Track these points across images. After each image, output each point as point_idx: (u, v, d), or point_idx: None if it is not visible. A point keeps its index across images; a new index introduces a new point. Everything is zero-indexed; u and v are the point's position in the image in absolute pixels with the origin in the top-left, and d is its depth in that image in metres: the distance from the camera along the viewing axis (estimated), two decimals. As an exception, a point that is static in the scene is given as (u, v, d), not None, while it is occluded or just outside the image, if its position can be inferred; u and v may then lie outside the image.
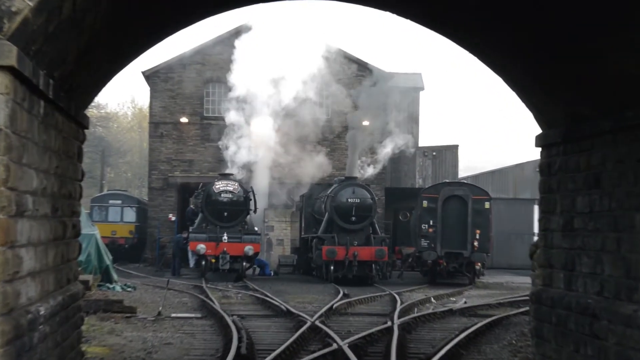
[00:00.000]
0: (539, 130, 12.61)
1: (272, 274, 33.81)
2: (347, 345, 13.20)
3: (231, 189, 31.37)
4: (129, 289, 24.22)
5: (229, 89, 35.55)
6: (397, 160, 41.16)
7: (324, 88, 38.33)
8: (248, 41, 34.95)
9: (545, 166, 12.34)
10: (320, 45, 35.93)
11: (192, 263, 32.81)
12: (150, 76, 40.67)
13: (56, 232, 9.65)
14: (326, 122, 40.58)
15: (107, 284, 23.88)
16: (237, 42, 35.50)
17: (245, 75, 34.58)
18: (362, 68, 39.60)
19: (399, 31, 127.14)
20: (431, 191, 31.94)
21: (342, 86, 38.41)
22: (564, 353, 11.18)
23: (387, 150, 37.94)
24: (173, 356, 13.13)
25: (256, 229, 32.47)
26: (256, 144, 35.01)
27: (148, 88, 41.33)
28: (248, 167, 35.09)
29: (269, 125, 35.55)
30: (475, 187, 32.65)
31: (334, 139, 40.90)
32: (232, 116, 34.92)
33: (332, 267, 29.83)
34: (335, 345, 13.14)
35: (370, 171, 37.40)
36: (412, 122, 44.29)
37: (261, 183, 36.47)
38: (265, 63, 34.26)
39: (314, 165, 37.65)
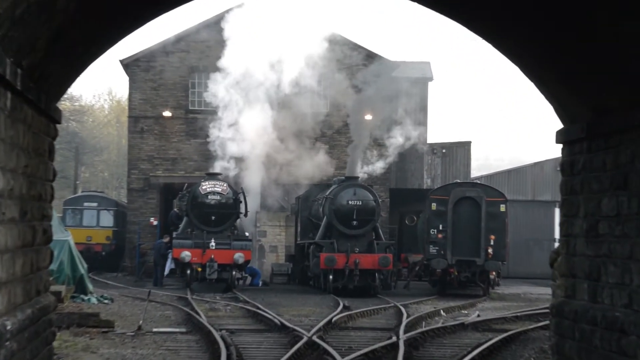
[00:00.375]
0: (560, 125, 12.59)
1: (261, 284, 33.78)
2: (347, 363, 13.16)
3: (219, 190, 31.35)
4: (105, 301, 24.18)
5: (219, 73, 35.38)
6: (403, 158, 41.15)
7: (323, 78, 38.34)
8: (241, 17, 34.89)
9: (567, 165, 12.32)
10: (320, 27, 35.98)
11: (167, 270, 32.79)
12: (129, 65, 40.63)
13: (25, 238, 9.61)
14: (326, 116, 40.58)
15: (82, 296, 23.84)
16: (229, 18, 35.45)
17: (238, 54, 34.49)
18: (365, 56, 39.61)
19: (405, 16, 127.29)
20: (441, 192, 31.93)
21: (344, 76, 38.38)
22: (589, 372, 11.17)
23: (397, 141, 37.89)
24: (155, 375, 13.09)
25: (247, 234, 32.46)
26: (248, 137, 34.93)
27: (127, 78, 41.31)
28: (238, 165, 34.99)
29: (263, 115, 35.48)
30: (490, 188, 32.64)
31: (333, 134, 40.89)
32: (221, 102, 34.80)
33: (331, 277, 29.81)
34: (334, 364, 13.11)
35: (379, 166, 37.39)
36: (420, 115, 44.30)
37: (253, 183, 36.46)
38: (260, 43, 34.23)
39: (313, 164, 37.66)
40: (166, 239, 34.47)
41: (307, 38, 35.09)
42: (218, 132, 34.89)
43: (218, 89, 35.03)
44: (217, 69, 35.72)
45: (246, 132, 34.95)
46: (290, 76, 35.57)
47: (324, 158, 38.46)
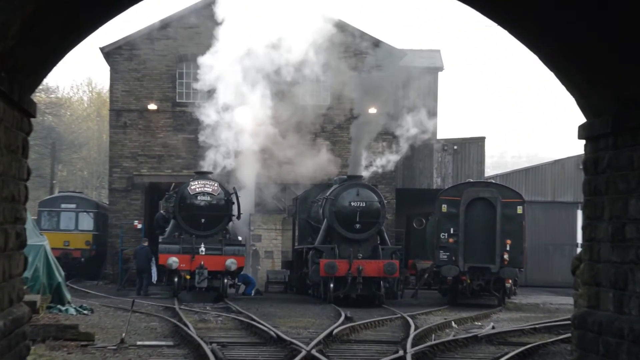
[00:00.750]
0: (582, 119, 12.58)
1: (255, 293, 33.80)
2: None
3: (210, 190, 31.36)
4: (85, 312, 24.18)
5: (212, 54, 35.21)
6: (411, 155, 41.19)
7: (325, 67, 38.36)
8: None
9: (590, 162, 12.31)
10: (323, 11, 36.05)
11: (154, 277, 32.89)
12: (110, 53, 40.63)
13: (-4, 242, 9.60)
14: (327, 110, 40.59)
15: (59, 306, 23.84)
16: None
17: (234, 36, 34.39)
18: (371, 44, 39.59)
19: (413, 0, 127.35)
20: (452, 193, 31.93)
21: (347, 65, 38.36)
22: (614, 389, 11.17)
23: (409, 132, 37.89)
24: (139, 393, 13.09)
25: (240, 238, 32.47)
26: (244, 126, 34.86)
27: (108, 68, 41.30)
28: (233, 158, 34.87)
29: (262, 103, 35.42)
30: (506, 188, 32.65)
31: (334, 129, 40.91)
32: (216, 80, 34.63)
33: (331, 285, 29.83)
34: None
35: (387, 160, 37.36)
36: (429, 108, 44.25)
37: (247, 182, 36.47)
38: (258, 25, 34.21)
39: (314, 162, 37.69)
40: (145, 243, 34.51)
41: (309, 22, 35.11)
42: (209, 118, 34.64)
43: (213, 64, 34.77)
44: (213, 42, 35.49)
45: (242, 121, 34.84)
46: (292, 61, 35.55)
47: (326, 156, 38.48)
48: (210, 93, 35.21)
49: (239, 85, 34.86)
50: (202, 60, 35.07)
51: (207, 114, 34.84)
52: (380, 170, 37.82)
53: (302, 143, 38.73)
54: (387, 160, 37.92)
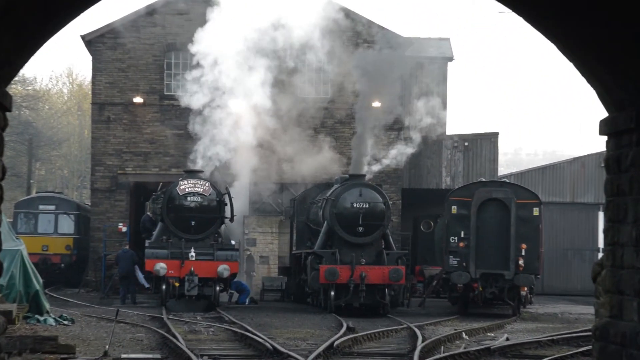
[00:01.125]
0: (604, 114, 12.58)
1: (249, 301, 33.83)
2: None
3: (200, 190, 31.37)
4: (65, 322, 24.18)
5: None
6: (418, 153, 41.22)
7: (327, 56, 38.35)
8: None
9: (613, 160, 12.31)
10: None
11: (142, 281, 32.96)
12: (92, 42, 40.64)
13: (-31, 247, 9.59)
14: (328, 103, 40.61)
15: (37, 316, 23.84)
16: None
17: (230, 17, 34.36)
18: (376, 32, 39.56)
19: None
20: (463, 193, 31.95)
21: (350, 54, 38.33)
22: (638, 406, 11.16)
23: (423, 120, 37.85)
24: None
25: (233, 242, 32.50)
26: (238, 119, 34.79)
27: (90, 58, 41.32)
28: (225, 154, 34.79)
29: (262, 91, 35.38)
30: (521, 188, 32.67)
31: (335, 125, 40.92)
32: (209, 57, 34.54)
33: (332, 293, 29.85)
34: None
35: (406, 151, 37.34)
36: (437, 101, 44.26)
37: (241, 181, 36.45)
38: (257, 8, 34.21)
39: (315, 160, 37.70)
40: (126, 246, 34.52)
41: (313, 4, 35.13)
42: (199, 102, 34.48)
43: (203, 38, 34.64)
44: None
45: (238, 110, 34.74)
46: (294, 43, 35.52)
47: (328, 153, 38.49)
48: (202, 74, 35.02)
49: (238, 65, 34.69)
50: (196, 36, 34.92)
51: (198, 99, 34.64)
52: (390, 164, 37.76)
53: (302, 138, 38.74)
54: (399, 152, 37.87)
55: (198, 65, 34.74)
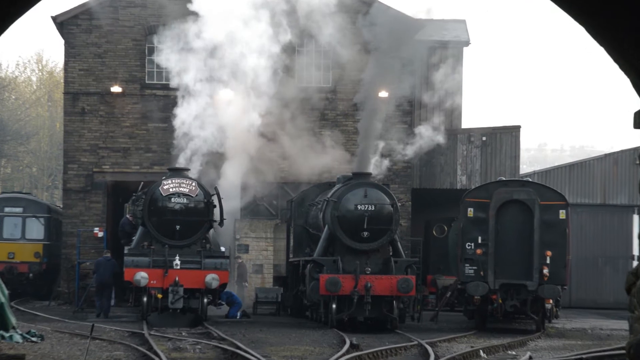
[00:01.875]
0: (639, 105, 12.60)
1: (239, 316, 33.87)
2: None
3: (186, 190, 31.40)
4: (34, 339, 24.18)
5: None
6: (430, 149, 41.24)
7: (329, 39, 38.37)
8: None
9: (649, 157, 12.33)
10: None
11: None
12: (65, 24, 40.66)
13: None
14: (329, 93, 40.64)
15: (2, 332, 23.85)
16: None
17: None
18: (381, 12, 39.57)
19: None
20: (480, 194, 31.97)
21: (354, 37, 38.36)
22: None
23: (436, 112, 37.90)
24: None
25: (223, 249, 32.52)
26: (230, 104, 34.78)
27: (62, 42, 41.33)
28: (213, 153, 34.79)
29: (260, 75, 35.38)
30: (545, 189, 32.69)
31: (337, 117, 40.95)
32: (191, 65, 34.58)
33: (334, 306, 29.88)
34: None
35: (416, 147, 37.36)
36: (452, 92, 44.33)
37: (231, 179, 36.47)
38: None
39: (315, 157, 37.72)
40: (107, 254, 34.55)
41: None
42: (187, 76, 34.42)
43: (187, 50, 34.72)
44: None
45: (228, 96, 34.75)
46: (293, 25, 35.65)
47: (331, 150, 38.51)
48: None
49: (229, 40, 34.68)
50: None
51: (189, 75, 34.49)
52: (399, 161, 37.78)
53: (301, 132, 38.77)
54: (409, 148, 37.90)
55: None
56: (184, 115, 34.11)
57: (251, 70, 35.38)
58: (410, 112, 40.54)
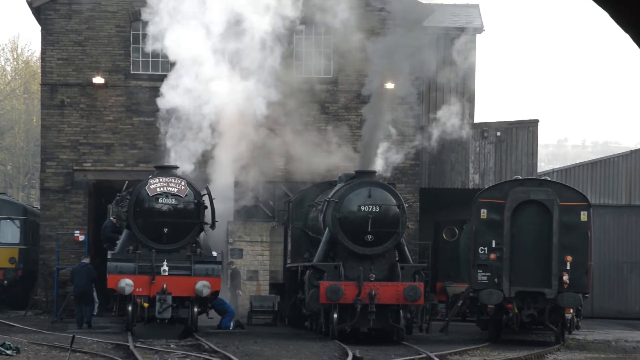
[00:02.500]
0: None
1: (233, 326, 33.94)
2: None
3: (175, 190, 31.45)
4: (8, 352, 24.25)
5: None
6: (440, 145, 41.32)
7: (326, 29, 38.45)
8: None
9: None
10: None
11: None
12: (42, 8, 40.70)
13: None
14: (329, 84, 40.70)
15: (-24, 343, 23.94)
16: None
17: None
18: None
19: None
20: (494, 194, 32.03)
21: (358, 25, 38.46)
22: None
23: (446, 105, 37.93)
24: None
25: (215, 254, 32.57)
26: (224, 93, 34.81)
27: (39, 28, 41.38)
28: (204, 152, 34.86)
29: (260, 59, 35.45)
30: (565, 188, 32.75)
31: (338, 111, 41.00)
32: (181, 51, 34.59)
33: (335, 315, 29.94)
34: None
35: (425, 143, 37.37)
36: (464, 84, 44.41)
37: (224, 179, 36.52)
38: None
39: (315, 153, 37.78)
40: (86, 260, 34.62)
41: None
42: (177, 55, 34.39)
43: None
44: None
45: (222, 87, 34.77)
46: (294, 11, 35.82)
47: (333, 146, 38.57)
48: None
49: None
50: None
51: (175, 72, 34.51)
52: (406, 158, 37.85)
53: (300, 127, 38.84)
54: (416, 144, 37.97)
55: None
56: (171, 95, 33.91)
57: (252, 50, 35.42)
58: (417, 105, 40.59)
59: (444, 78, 41.82)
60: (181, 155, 33.80)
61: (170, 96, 33.40)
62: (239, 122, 36.23)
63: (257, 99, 36.41)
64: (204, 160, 35.68)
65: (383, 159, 36.00)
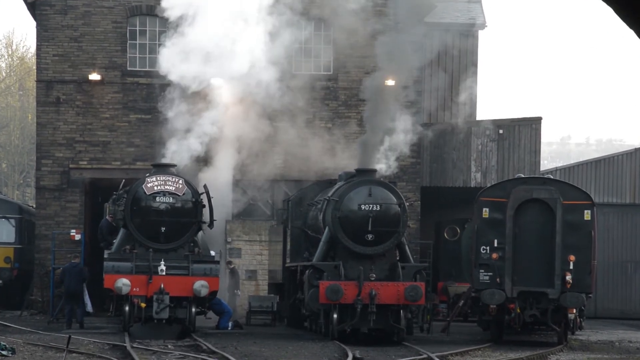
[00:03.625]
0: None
1: (231, 326, 33.95)
2: None
3: (172, 189, 31.45)
4: (4, 353, 24.26)
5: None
6: (442, 143, 41.33)
7: (325, 26, 38.47)
8: None
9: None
10: None
11: (88, 306, 33.02)
12: (37, 4, 40.69)
13: None
14: (328, 81, 40.69)
15: (-29, 344, 23.96)
16: None
17: None
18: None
19: None
20: (496, 193, 32.04)
21: (358, 19, 38.47)
22: None
23: (448, 103, 37.97)
24: None
25: (213, 253, 32.57)
26: (222, 93, 34.89)
27: (34, 24, 41.36)
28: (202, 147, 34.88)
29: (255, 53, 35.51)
30: (569, 187, 32.77)
31: (338, 108, 41.01)
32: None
33: (335, 316, 29.95)
34: None
35: (426, 141, 37.30)
36: (466, 80, 44.42)
37: (222, 178, 36.52)
38: None
39: (316, 152, 37.79)
40: (76, 260, 34.59)
41: None
42: (173, 68, 34.49)
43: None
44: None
45: (220, 84, 34.86)
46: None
47: (332, 144, 38.59)
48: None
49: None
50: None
51: (172, 65, 34.51)
52: (406, 156, 37.86)
53: (298, 124, 38.85)
54: (417, 142, 37.96)
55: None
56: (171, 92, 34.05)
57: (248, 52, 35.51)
58: (418, 102, 40.60)
59: (446, 75, 41.82)
60: (179, 152, 33.86)
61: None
62: (239, 119, 36.26)
63: (258, 94, 36.47)
64: (203, 157, 35.69)
65: (384, 157, 36.05)
